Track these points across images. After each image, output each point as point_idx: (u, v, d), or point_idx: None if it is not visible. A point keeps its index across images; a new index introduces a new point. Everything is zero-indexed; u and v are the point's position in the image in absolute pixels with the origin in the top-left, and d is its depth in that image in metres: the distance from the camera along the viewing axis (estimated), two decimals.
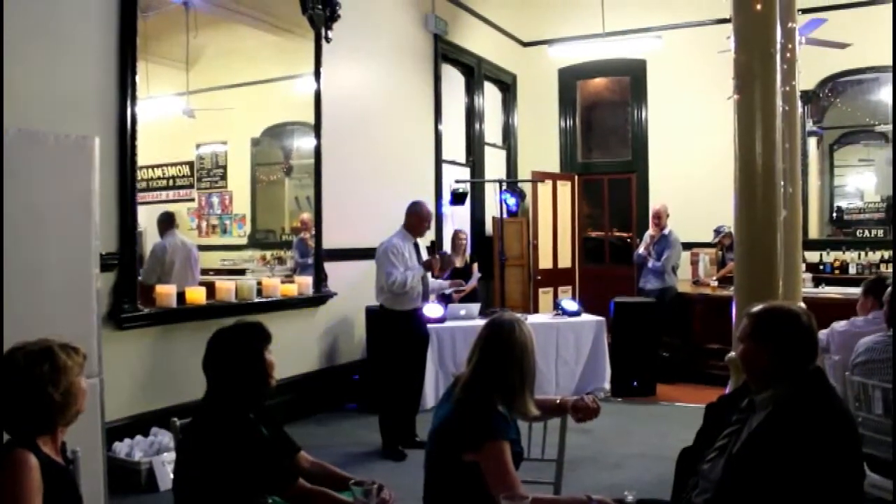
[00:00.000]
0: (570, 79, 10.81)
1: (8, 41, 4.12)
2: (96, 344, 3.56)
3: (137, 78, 5.11)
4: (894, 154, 8.52)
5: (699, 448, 2.42)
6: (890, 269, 8.27)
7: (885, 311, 3.79)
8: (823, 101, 9.35)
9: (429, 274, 5.77)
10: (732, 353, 4.24)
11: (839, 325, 4.30)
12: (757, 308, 2.36)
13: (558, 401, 3.01)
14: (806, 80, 7.21)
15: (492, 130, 10.35)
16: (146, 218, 6.21)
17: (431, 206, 6.78)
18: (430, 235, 6.53)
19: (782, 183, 4.01)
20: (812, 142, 9.53)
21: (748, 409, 2.32)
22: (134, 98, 5.07)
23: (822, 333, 4.13)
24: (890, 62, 8.35)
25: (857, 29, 8.26)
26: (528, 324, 2.73)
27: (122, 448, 4.83)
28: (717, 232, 8.68)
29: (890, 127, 8.79)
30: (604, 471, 5.12)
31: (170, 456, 4.69)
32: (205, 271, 6.81)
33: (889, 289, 3.79)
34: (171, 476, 4.49)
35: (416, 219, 5.75)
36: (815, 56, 7.49)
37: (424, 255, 5.80)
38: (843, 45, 7.86)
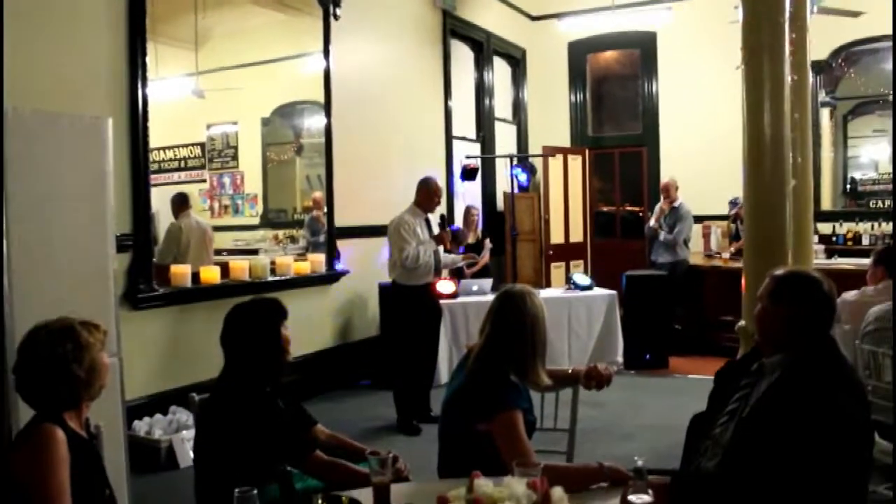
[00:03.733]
0: (579, 52, 10.74)
1: (18, 23, 4.16)
2: (114, 324, 3.61)
3: (147, 59, 5.14)
4: (894, 122, 8.43)
5: (710, 413, 2.44)
6: None
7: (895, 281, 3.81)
8: (836, 72, 9.26)
9: (441, 248, 5.80)
10: (742, 322, 4.27)
11: (849, 295, 4.30)
12: (780, 270, 2.36)
13: (570, 371, 3.05)
14: (818, 49, 7.16)
15: (502, 106, 10.31)
16: (158, 200, 6.26)
17: (442, 183, 6.80)
18: (440, 210, 6.54)
19: (791, 152, 4.00)
20: (825, 113, 9.45)
21: (757, 373, 2.33)
22: (144, 79, 5.10)
23: None
24: None
25: None
26: (539, 295, 2.76)
27: (141, 426, 4.91)
28: (733, 204, 8.62)
29: None
30: (616, 442, 5.17)
31: (189, 433, 4.76)
32: (218, 251, 6.87)
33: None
34: (191, 453, 4.59)
35: (426, 194, 5.77)
36: (827, 26, 7.43)
37: (436, 230, 5.83)
38: (855, 14, 7.79)
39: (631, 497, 1.79)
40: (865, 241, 8.69)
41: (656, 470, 2.43)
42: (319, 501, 1.96)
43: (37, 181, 3.36)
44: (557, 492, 1.68)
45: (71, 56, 4.64)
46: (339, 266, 6.90)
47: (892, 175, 9.17)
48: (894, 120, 8.44)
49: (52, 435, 2.05)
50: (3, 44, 3.28)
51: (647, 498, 1.77)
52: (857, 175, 9.54)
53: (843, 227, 8.97)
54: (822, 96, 9.21)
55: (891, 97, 8.95)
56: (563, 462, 3.00)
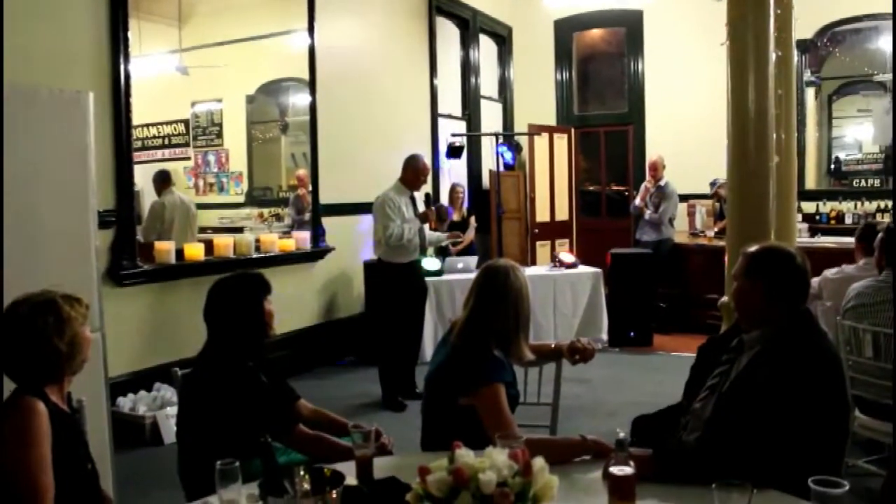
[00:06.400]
0: (565, 31, 10.71)
1: None
2: (97, 299, 3.59)
3: (130, 34, 5.08)
4: (894, 103, 8.47)
5: (691, 386, 2.47)
6: (883, 218, 8.29)
7: (876, 256, 3.84)
8: (822, 51, 9.27)
9: (426, 226, 5.80)
10: (725, 298, 4.30)
11: (830, 272, 4.34)
12: (752, 247, 2.39)
13: (553, 345, 3.07)
14: (804, 28, 7.15)
15: (487, 84, 10.28)
16: (143, 177, 6.22)
17: (428, 160, 6.77)
18: (426, 188, 6.53)
19: (775, 129, 4.02)
20: (810, 93, 9.47)
21: (738, 348, 2.36)
22: (127, 55, 5.05)
23: (815, 280, 4.18)
24: (889, 9, 8.30)
25: None
26: (523, 270, 2.77)
27: (125, 403, 4.91)
28: (713, 184, 8.68)
29: (889, 76, 8.71)
30: (599, 418, 5.21)
31: (173, 410, 4.76)
32: (203, 229, 6.85)
33: (879, 235, 3.83)
34: (175, 429, 4.60)
35: (412, 172, 5.75)
36: (813, 4, 7.41)
37: (421, 208, 5.82)
38: None
39: (613, 469, 1.80)
40: (848, 220, 8.76)
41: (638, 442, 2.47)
42: (302, 473, 1.97)
43: (16, 156, 3.32)
44: (538, 462, 1.69)
45: (52, 30, 4.58)
46: (323, 243, 6.89)
47: (877, 155, 9.24)
48: (894, 96, 8.47)
49: (33, 408, 2.04)
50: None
51: (628, 470, 1.79)
52: (842, 155, 9.59)
53: (827, 206, 9.03)
54: (807, 76, 9.23)
55: (875, 77, 9.00)
56: (546, 436, 3.02)
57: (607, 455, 1.93)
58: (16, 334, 2.12)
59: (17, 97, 3.36)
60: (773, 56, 3.91)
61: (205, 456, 2.24)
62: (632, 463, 1.80)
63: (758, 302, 2.29)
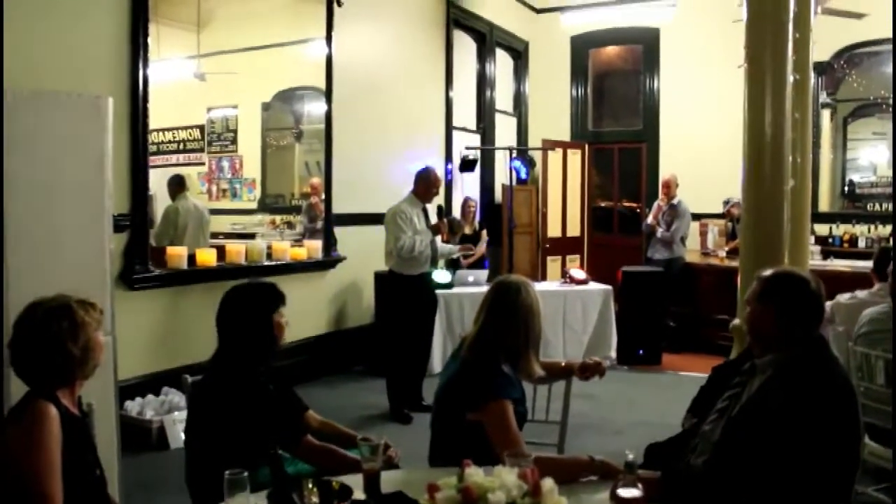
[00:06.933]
0: (582, 47, 10.72)
1: (20, 1, 4.15)
2: (109, 303, 3.61)
3: (149, 40, 5.12)
4: (894, 121, 8.43)
5: (700, 407, 2.46)
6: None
7: (890, 282, 3.82)
8: (838, 73, 9.25)
9: (438, 238, 5.81)
10: (737, 321, 4.28)
11: (844, 297, 4.31)
12: (767, 271, 2.38)
13: (563, 363, 3.06)
14: (820, 50, 7.15)
15: (503, 97, 10.30)
16: (157, 182, 6.25)
17: (441, 173, 6.79)
18: (438, 201, 6.54)
19: (791, 153, 4.01)
20: (826, 114, 9.45)
21: (749, 372, 2.35)
22: (146, 59, 5.09)
23: (827, 304, 4.15)
24: None
25: None
26: (534, 286, 2.77)
27: (133, 406, 4.92)
28: (726, 203, 8.66)
29: None
30: (606, 437, 5.18)
31: (181, 415, 4.77)
32: (215, 235, 6.86)
33: (893, 262, 3.81)
34: (182, 434, 4.60)
35: (424, 185, 5.77)
36: (831, 27, 7.41)
37: (433, 220, 5.83)
38: (859, 16, 7.78)
39: (620, 490, 1.79)
40: (862, 244, 8.71)
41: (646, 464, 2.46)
42: (310, 486, 1.97)
43: (36, 159, 3.35)
44: (548, 483, 1.69)
45: (73, 35, 4.62)
46: (335, 253, 6.90)
47: (891, 178, 9.18)
48: (894, 124, 8.45)
49: (45, 411, 2.05)
50: (3, 23, 3.27)
51: (636, 492, 1.78)
52: (856, 177, 9.55)
53: (840, 229, 8.98)
54: (822, 97, 9.21)
55: (891, 101, 8.96)
56: (553, 454, 3.01)
57: (615, 476, 1.92)
58: (30, 338, 2.13)
59: (37, 100, 3.40)
60: (790, 79, 3.91)
61: (213, 464, 2.25)
62: (640, 485, 1.79)
63: (771, 327, 2.28)
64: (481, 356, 2.61)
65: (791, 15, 3.94)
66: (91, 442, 2.31)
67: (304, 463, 2.65)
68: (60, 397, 2.13)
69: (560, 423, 3.21)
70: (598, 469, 2.19)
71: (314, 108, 7.49)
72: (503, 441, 2.34)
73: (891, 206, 9.11)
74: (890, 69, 9.01)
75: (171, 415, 4.89)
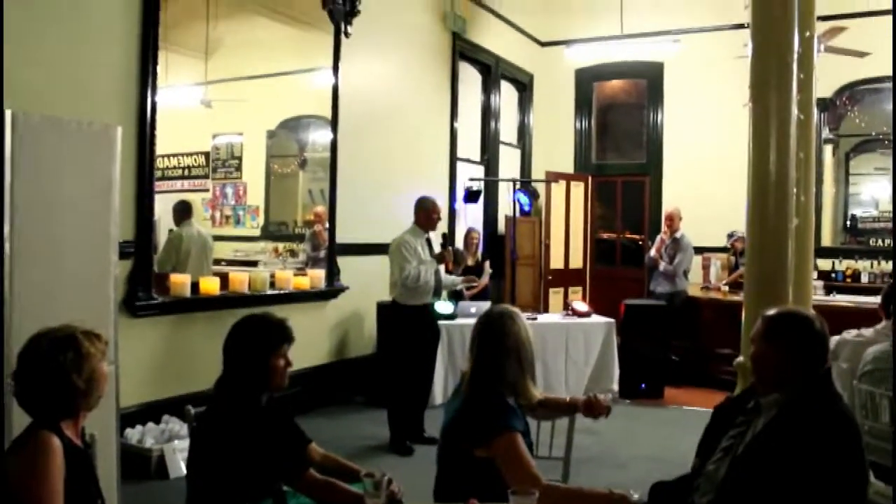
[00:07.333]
0: (586, 80, 10.81)
1: (32, 27, 4.20)
2: (113, 331, 3.61)
3: (158, 67, 5.17)
4: (894, 160, 8.48)
5: (705, 448, 2.45)
6: None
7: (893, 322, 3.81)
8: (840, 109, 9.32)
9: (442, 268, 5.82)
10: (741, 358, 4.26)
11: (849, 334, 4.29)
12: (772, 311, 2.38)
13: (568, 399, 3.05)
14: (823, 87, 7.19)
15: (507, 129, 10.36)
16: (161, 207, 6.27)
17: (445, 203, 6.79)
18: (442, 229, 6.55)
19: (795, 191, 4.02)
20: (828, 150, 9.50)
21: (754, 411, 2.34)
22: (154, 87, 5.12)
23: (832, 340, 4.14)
24: None
25: (876, 38, 8.23)
26: (520, 315, 2.77)
27: (133, 434, 4.89)
28: (730, 237, 8.69)
29: None
30: (609, 471, 5.15)
31: (181, 444, 4.74)
32: (217, 261, 6.87)
33: (892, 302, 3.81)
34: (182, 464, 4.57)
35: (424, 213, 5.80)
36: (832, 64, 7.48)
37: (437, 249, 5.84)
38: (861, 54, 7.86)
39: None
40: (865, 279, 8.71)
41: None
42: None
43: (43, 186, 3.38)
44: None
45: (84, 61, 4.67)
46: (338, 282, 6.90)
47: (892, 213, 9.20)
48: (894, 159, 8.49)
49: (48, 443, 2.04)
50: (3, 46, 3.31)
51: None
52: (858, 212, 9.58)
53: (843, 264, 8.99)
54: (825, 133, 9.28)
55: (892, 137, 9.01)
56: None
57: None
58: (35, 369, 2.12)
59: (46, 128, 3.42)
60: (794, 119, 3.93)
61: (215, 496, 2.23)
62: None
63: (775, 366, 2.28)
64: (482, 391, 2.61)
65: (795, 55, 3.97)
66: (93, 473, 2.29)
67: (306, 497, 2.63)
68: (64, 429, 2.12)
69: (564, 460, 3.20)
70: (615, 502, 2.18)
71: (319, 137, 7.54)
72: (517, 473, 2.33)
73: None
74: (890, 106, 9.10)
75: (172, 443, 4.85)
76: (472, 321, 6.74)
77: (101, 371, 2.19)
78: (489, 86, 9.82)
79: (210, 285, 5.67)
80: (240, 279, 5.94)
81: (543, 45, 10.87)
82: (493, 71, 9.80)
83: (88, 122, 3.67)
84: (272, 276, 6.32)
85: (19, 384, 2.14)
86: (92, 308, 3.51)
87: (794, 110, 3.96)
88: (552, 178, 9.63)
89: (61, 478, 2.02)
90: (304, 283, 6.55)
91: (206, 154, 8.37)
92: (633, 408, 7.07)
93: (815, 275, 7.57)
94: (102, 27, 4.82)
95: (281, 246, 7.82)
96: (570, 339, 7.27)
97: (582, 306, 7.67)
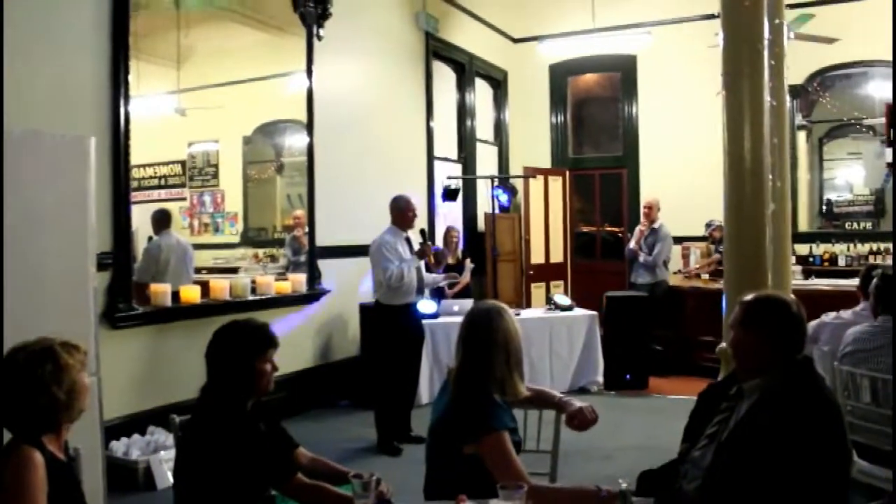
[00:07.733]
0: (560, 75, 10.85)
1: (4, 40, 4.14)
2: (93, 343, 3.58)
3: (130, 77, 5.13)
4: (893, 143, 8.53)
5: (690, 434, 2.46)
6: (877, 261, 8.35)
7: (871, 302, 3.85)
8: (812, 96, 9.41)
9: (422, 265, 5.82)
10: (723, 345, 4.30)
11: (828, 317, 4.35)
12: (748, 296, 2.40)
13: (557, 399, 3.04)
14: (794, 74, 7.28)
15: (483, 127, 10.38)
16: (138, 217, 6.21)
17: (424, 202, 6.79)
18: (420, 225, 6.55)
19: (770, 177, 4.06)
20: (801, 136, 9.60)
21: (737, 396, 2.36)
22: (127, 97, 5.09)
23: (812, 324, 4.18)
24: (877, 56, 8.45)
25: (845, 24, 8.34)
26: (507, 310, 2.76)
27: (119, 447, 4.85)
28: (708, 226, 8.75)
29: (877, 120, 8.80)
30: (596, 462, 5.17)
31: (167, 454, 4.71)
32: (198, 270, 6.81)
33: (874, 280, 3.85)
34: (169, 474, 4.53)
35: (398, 213, 5.81)
36: (803, 51, 7.55)
37: (416, 247, 5.84)
38: (831, 40, 7.94)
39: None
40: (842, 262, 8.82)
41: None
42: None
43: (18, 199, 3.34)
44: None
45: (55, 73, 4.62)
46: (320, 286, 6.88)
47: (868, 196, 9.32)
48: (892, 146, 8.53)
49: (30, 458, 2.01)
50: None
51: None
52: (833, 196, 9.68)
53: (820, 249, 9.09)
54: (798, 119, 9.37)
55: (864, 121, 9.12)
56: (546, 483, 2.99)
57: None
58: (13, 383, 2.09)
59: (19, 141, 3.38)
60: (768, 105, 3.97)
61: None
62: None
63: (755, 352, 2.30)
64: (470, 388, 2.60)
65: (766, 42, 4.01)
66: (78, 487, 2.27)
67: (295, 501, 2.62)
68: (46, 443, 2.10)
69: (551, 453, 3.20)
70: (604, 502, 2.17)
71: (295, 141, 7.51)
72: (504, 472, 2.33)
73: (869, 225, 9.25)
74: (861, 91, 9.21)
75: (158, 454, 4.81)
76: (456, 320, 6.79)
77: (81, 382, 2.17)
78: (464, 84, 9.83)
79: (191, 294, 5.64)
80: (221, 286, 5.91)
81: (516, 41, 10.90)
82: (467, 69, 9.81)
83: (61, 134, 3.64)
84: (253, 281, 6.29)
85: None
86: (72, 321, 3.48)
87: (767, 97, 4.00)
88: (530, 173, 9.65)
89: (44, 493, 2.00)
90: (285, 287, 6.53)
91: (183, 162, 8.30)
92: (618, 399, 7.11)
93: (793, 260, 7.64)
94: (72, 38, 4.78)
95: (261, 252, 7.78)
96: (553, 334, 7.30)
97: (565, 300, 7.70)
